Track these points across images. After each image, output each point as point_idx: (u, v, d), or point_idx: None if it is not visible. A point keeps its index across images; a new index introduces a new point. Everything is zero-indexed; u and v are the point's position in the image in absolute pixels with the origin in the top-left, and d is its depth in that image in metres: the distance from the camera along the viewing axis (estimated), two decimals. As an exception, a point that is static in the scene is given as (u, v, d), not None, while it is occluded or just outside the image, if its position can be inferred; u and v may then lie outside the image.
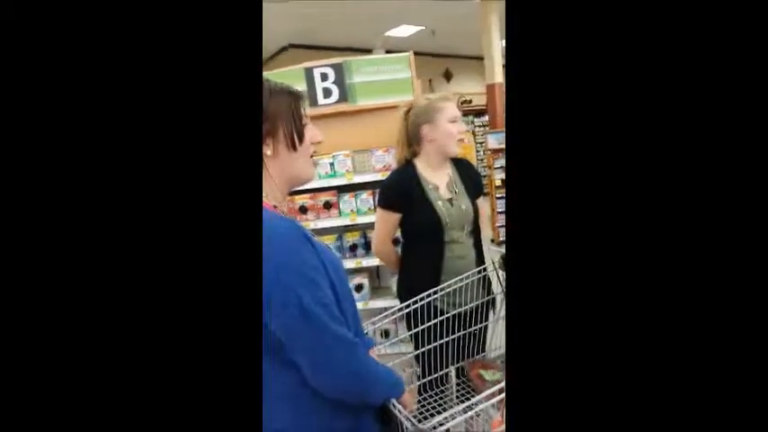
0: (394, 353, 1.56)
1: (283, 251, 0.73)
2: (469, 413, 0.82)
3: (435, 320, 1.27)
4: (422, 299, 1.27)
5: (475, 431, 0.95)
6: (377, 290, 2.32)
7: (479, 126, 10.06)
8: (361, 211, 2.10)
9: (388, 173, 1.73)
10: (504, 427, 0.83)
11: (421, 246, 1.55)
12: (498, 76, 6.54)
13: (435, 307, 1.32)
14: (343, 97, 2.12)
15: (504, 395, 0.81)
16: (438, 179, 1.56)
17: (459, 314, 1.34)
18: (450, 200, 1.53)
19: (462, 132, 1.52)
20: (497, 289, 1.44)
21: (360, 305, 2.10)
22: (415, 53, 2.23)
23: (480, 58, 6.80)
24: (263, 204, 0.80)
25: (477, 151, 9.25)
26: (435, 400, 1.26)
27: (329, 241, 2.14)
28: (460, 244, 1.53)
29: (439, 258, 1.51)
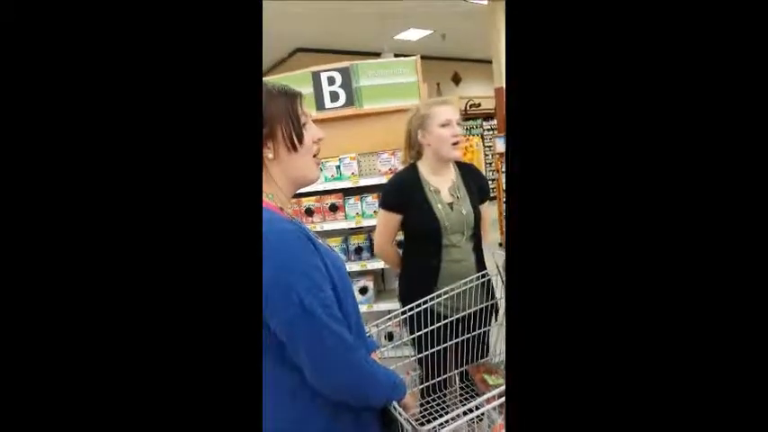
0: (397, 356, 1.56)
1: (285, 252, 0.73)
2: (471, 416, 0.82)
3: (436, 325, 1.27)
4: (423, 303, 1.27)
5: (476, 435, 0.95)
6: (381, 293, 2.33)
7: (488, 129, 10.03)
8: (367, 214, 2.11)
9: (394, 176, 1.74)
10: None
11: (419, 248, 1.56)
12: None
13: (436, 312, 1.32)
14: (350, 101, 2.14)
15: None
16: (440, 182, 1.56)
17: (461, 318, 1.34)
18: (450, 204, 1.54)
19: (457, 136, 1.51)
20: (501, 293, 1.44)
21: (364, 308, 2.11)
22: (424, 57, 2.24)
23: (489, 62, 6.80)
24: (268, 206, 0.80)
25: (486, 155, 9.23)
26: (438, 404, 1.26)
27: (334, 244, 2.15)
28: (459, 248, 1.53)
29: (436, 261, 1.51)
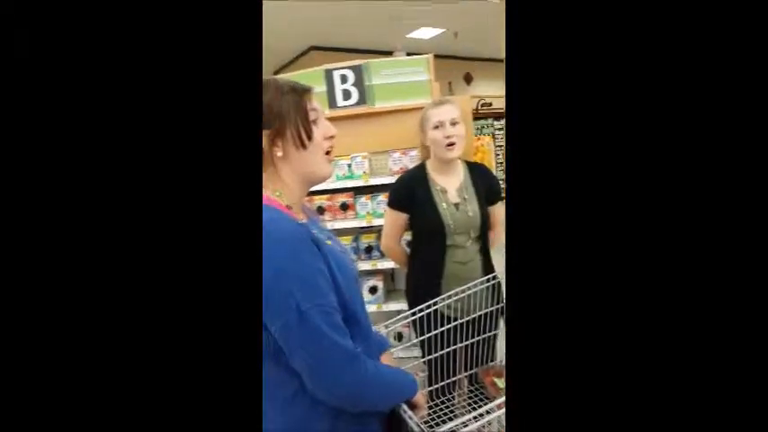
0: (407, 356, 1.55)
1: (284, 254, 0.70)
2: (482, 421, 0.80)
3: (444, 328, 1.26)
4: (432, 305, 1.26)
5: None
6: (391, 292, 2.32)
7: (499, 129, 9.95)
8: (377, 213, 2.10)
9: (405, 175, 1.73)
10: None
11: (424, 248, 1.55)
12: (519, 79, 6.43)
13: (443, 314, 1.31)
14: (363, 99, 2.13)
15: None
16: (447, 182, 1.55)
17: (469, 321, 1.33)
18: (456, 204, 1.52)
19: (450, 137, 1.49)
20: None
21: (374, 307, 2.10)
22: (437, 56, 2.22)
23: (501, 61, 6.74)
24: (274, 204, 0.78)
25: (497, 154, 9.15)
26: (447, 406, 1.25)
27: (345, 243, 2.15)
28: (464, 249, 1.51)
29: (440, 262, 1.50)
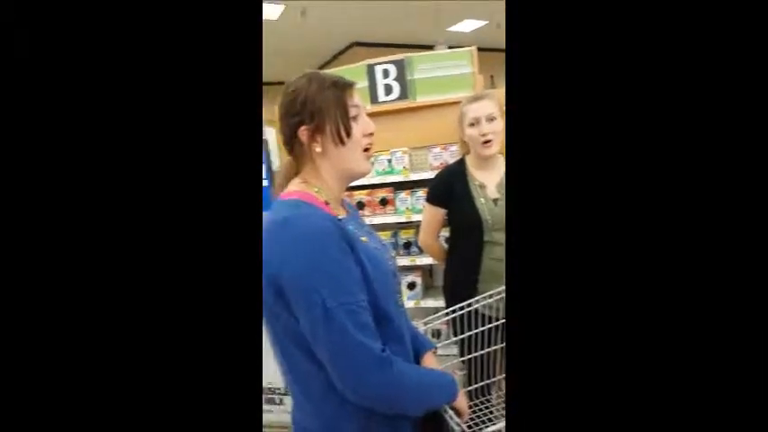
0: (445, 354, 1.54)
1: (314, 250, 0.70)
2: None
3: (481, 328, 1.23)
4: (468, 305, 1.23)
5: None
6: (430, 288, 2.30)
7: (543, 124, 9.64)
8: (417, 208, 2.09)
9: (446, 170, 1.71)
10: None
11: (461, 244, 1.53)
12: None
13: (482, 314, 1.28)
14: (404, 94, 2.12)
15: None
16: (487, 178, 1.52)
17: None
18: (495, 200, 1.49)
19: (486, 135, 1.45)
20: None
21: (412, 303, 2.10)
22: (479, 48, 2.17)
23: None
24: (312, 201, 0.78)
25: (540, 150, 8.88)
26: (486, 407, 1.22)
27: (384, 238, 2.15)
28: (501, 246, 1.47)
29: (477, 258, 1.47)
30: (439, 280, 2.32)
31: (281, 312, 0.73)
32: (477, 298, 1.25)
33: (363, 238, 0.81)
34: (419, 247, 2.12)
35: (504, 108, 1.50)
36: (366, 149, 0.83)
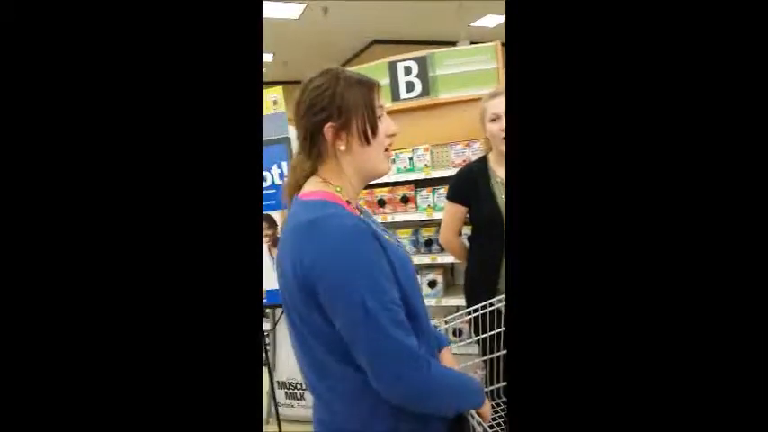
0: (465, 353, 1.52)
1: (351, 251, 0.70)
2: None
3: (502, 328, 1.21)
4: (489, 305, 1.21)
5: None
6: (450, 287, 2.28)
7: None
8: (438, 206, 2.07)
9: (468, 167, 1.69)
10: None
11: (482, 241, 1.51)
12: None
13: (502, 313, 1.26)
14: (426, 91, 2.10)
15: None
16: None
17: None
18: None
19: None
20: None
21: (433, 302, 2.08)
22: (503, 44, 2.14)
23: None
24: (335, 200, 0.78)
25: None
26: (503, 409, 1.20)
27: (405, 236, 2.14)
28: None
29: (498, 256, 1.45)
30: (460, 278, 2.30)
31: (310, 314, 0.73)
32: (498, 297, 1.23)
33: (387, 237, 0.81)
34: (440, 245, 2.11)
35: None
36: (386, 149, 0.83)
